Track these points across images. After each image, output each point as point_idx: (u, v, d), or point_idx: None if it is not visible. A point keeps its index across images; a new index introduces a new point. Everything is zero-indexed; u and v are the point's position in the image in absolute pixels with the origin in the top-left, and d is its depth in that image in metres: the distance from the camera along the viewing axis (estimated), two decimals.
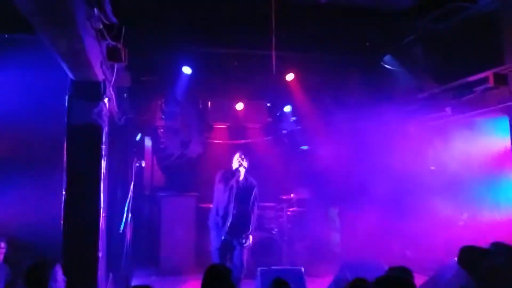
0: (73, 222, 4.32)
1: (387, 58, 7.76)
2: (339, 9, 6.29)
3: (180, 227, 7.59)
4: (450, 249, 6.24)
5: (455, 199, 7.01)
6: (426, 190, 7.41)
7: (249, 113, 8.88)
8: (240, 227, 5.63)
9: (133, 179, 5.48)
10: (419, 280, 3.94)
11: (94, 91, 4.48)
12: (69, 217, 4.31)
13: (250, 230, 5.68)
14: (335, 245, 8.56)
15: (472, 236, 6.24)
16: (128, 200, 5.27)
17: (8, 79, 5.17)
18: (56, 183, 4.35)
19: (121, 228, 5.19)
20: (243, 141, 9.03)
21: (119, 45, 4.59)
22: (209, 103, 8.64)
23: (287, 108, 8.92)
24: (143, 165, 6.57)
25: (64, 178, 4.29)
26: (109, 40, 4.34)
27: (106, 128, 4.57)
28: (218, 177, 5.72)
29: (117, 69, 4.84)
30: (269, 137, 9.17)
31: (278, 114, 9.15)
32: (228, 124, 9.01)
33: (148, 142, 8.20)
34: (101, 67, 4.40)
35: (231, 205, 5.58)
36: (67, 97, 4.42)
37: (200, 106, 8.63)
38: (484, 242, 3.41)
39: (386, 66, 7.78)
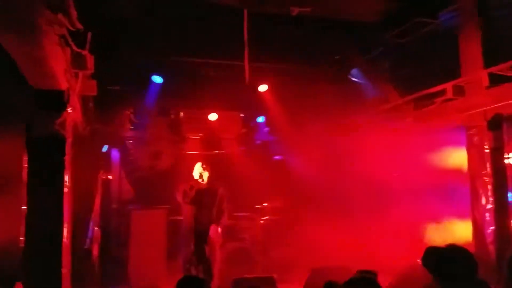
0: (34, 238, 4.10)
1: (354, 71, 8.06)
2: (310, 22, 6.42)
3: (150, 241, 7.38)
4: (414, 251, 6.48)
5: (417, 204, 7.23)
6: (391, 196, 7.66)
7: (223, 124, 8.89)
8: (207, 235, 5.72)
9: (99, 192, 5.27)
10: (385, 281, 4.02)
11: (57, 101, 4.29)
12: (30, 233, 4.09)
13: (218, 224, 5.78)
14: (307, 252, 8.61)
15: (433, 238, 6.45)
16: (93, 214, 5.06)
17: None
18: (15, 198, 4.11)
19: (87, 243, 4.96)
20: (216, 151, 8.98)
21: (85, 52, 4.42)
22: (181, 113, 8.54)
23: (261, 119, 8.96)
24: (110, 177, 6.37)
25: (25, 191, 4.06)
26: (74, 47, 4.18)
27: (69, 139, 4.39)
28: (178, 190, 5.77)
29: (82, 77, 4.67)
30: (243, 148, 9.16)
31: (251, 124, 9.19)
32: (201, 134, 8.97)
33: (116, 154, 7.97)
34: (65, 75, 4.23)
35: (196, 216, 5.60)
36: (28, 107, 4.20)
37: (172, 116, 8.50)
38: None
39: (353, 79, 8.03)
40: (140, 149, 8.21)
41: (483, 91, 6.02)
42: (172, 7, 5.84)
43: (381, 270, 3.74)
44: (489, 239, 5.99)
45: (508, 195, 5.94)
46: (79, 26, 4.13)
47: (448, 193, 6.87)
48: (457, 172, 6.69)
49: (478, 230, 6.14)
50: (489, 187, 6.03)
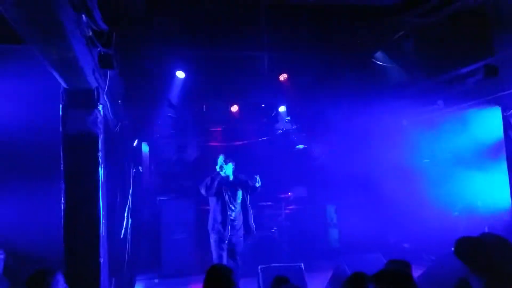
0: (74, 230, 4.32)
1: (378, 54, 7.84)
2: (328, 8, 6.34)
3: (180, 230, 7.64)
4: (445, 240, 6.36)
5: (449, 190, 7.06)
6: (420, 183, 7.48)
7: (244, 115, 8.96)
8: (238, 228, 5.77)
9: (131, 185, 5.49)
10: (417, 272, 3.97)
11: (88, 99, 4.48)
12: (69, 225, 4.32)
13: (251, 229, 5.82)
14: (334, 240, 8.62)
15: (465, 226, 6.29)
16: (127, 206, 5.28)
17: (1, 89, 5.18)
18: (55, 192, 4.36)
19: (122, 233, 5.19)
20: (239, 142, 9.07)
21: (111, 52, 4.59)
22: (204, 106, 8.68)
23: (282, 108, 8.98)
24: (140, 170, 6.60)
25: (62, 186, 4.30)
26: (100, 47, 4.35)
27: (101, 136, 4.59)
28: (200, 183, 5.74)
29: (110, 76, 4.86)
30: (265, 138, 9.21)
31: (273, 114, 9.20)
32: (223, 126, 9.08)
33: (145, 148, 8.23)
34: (94, 74, 4.42)
35: (226, 209, 5.65)
36: (61, 106, 4.42)
37: (195, 109, 8.66)
38: (476, 233, 3.44)
39: (378, 62, 7.85)
40: (167, 142, 8.41)
41: None
42: (191, 2, 5.94)
43: (411, 261, 3.65)
44: None
45: None
46: (104, 26, 4.30)
47: (485, 179, 6.65)
48: (494, 156, 6.45)
49: None
50: None
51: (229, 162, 5.69)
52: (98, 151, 4.46)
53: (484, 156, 6.68)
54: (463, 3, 6.04)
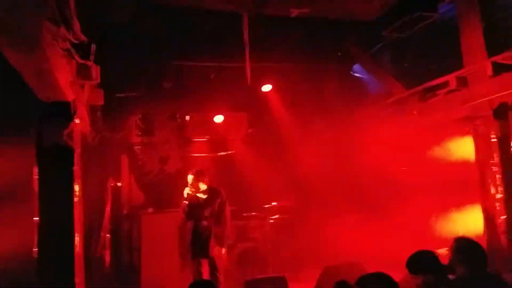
0: (47, 248, 4.16)
1: (356, 67, 8.06)
2: (310, 22, 6.44)
3: (162, 244, 7.44)
4: (425, 245, 6.46)
5: (426, 196, 7.25)
6: (400, 190, 7.66)
7: (229, 125, 8.93)
8: (214, 244, 5.56)
9: (109, 199, 5.33)
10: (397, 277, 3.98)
11: (64, 112, 4.34)
12: (42, 243, 4.15)
13: (221, 242, 5.60)
14: (317, 250, 8.60)
15: (442, 230, 6.47)
16: (104, 222, 5.12)
17: None
18: (27, 209, 4.19)
19: (99, 250, 5.03)
20: (224, 153, 9.01)
21: (90, 63, 4.47)
22: (187, 117, 8.59)
23: (266, 118, 8.94)
24: (119, 184, 6.44)
25: (36, 203, 4.13)
26: (78, 59, 4.23)
27: (78, 150, 4.45)
28: (181, 209, 5.60)
29: (88, 87, 4.73)
30: (249, 148, 9.14)
31: (257, 124, 9.19)
32: (208, 137, 9.00)
33: (125, 160, 8.06)
34: (71, 86, 4.28)
35: (200, 230, 5.50)
36: (36, 119, 4.27)
37: (178, 120, 8.55)
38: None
39: (356, 74, 8.03)
40: (148, 154, 8.29)
41: (487, 81, 5.96)
42: (173, 13, 5.88)
43: (393, 266, 3.68)
44: (501, 228, 5.93)
45: None
46: (83, 38, 4.18)
47: (457, 185, 6.81)
48: (465, 163, 6.62)
49: (489, 220, 6.08)
50: (498, 176, 5.98)
51: (200, 181, 5.48)
52: (73, 165, 4.31)
53: (455, 163, 6.85)
54: (436, 18, 6.46)
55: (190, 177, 5.47)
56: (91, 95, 4.98)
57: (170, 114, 8.14)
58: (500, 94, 5.81)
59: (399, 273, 3.23)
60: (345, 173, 8.18)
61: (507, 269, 3.11)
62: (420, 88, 7.06)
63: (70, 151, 4.31)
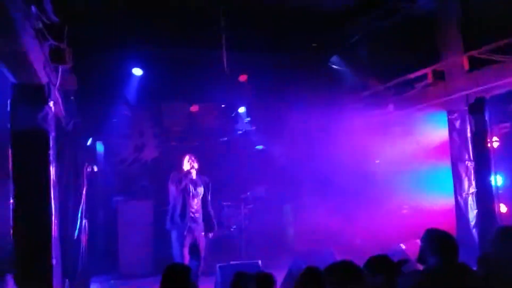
0: (24, 230, 4.12)
1: (334, 58, 8.15)
2: (286, 11, 6.43)
3: (137, 231, 7.50)
4: (396, 236, 6.66)
5: (399, 189, 7.39)
6: (373, 182, 7.78)
7: (204, 115, 8.97)
8: (199, 222, 5.85)
9: (85, 185, 5.33)
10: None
11: (38, 95, 4.30)
12: (19, 226, 4.11)
13: (213, 224, 6.01)
14: (290, 238, 8.78)
15: (413, 223, 6.56)
16: (81, 206, 5.12)
17: None
18: (2, 191, 4.17)
19: (75, 234, 5.03)
20: (198, 142, 9.02)
21: (63, 46, 4.45)
22: (162, 105, 8.57)
23: (241, 109, 9.06)
24: (95, 169, 6.42)
25: (11, 185, 4.11)
26: (51, 41, 4.20)
27: (53, 133, 4.43)
28: (170, 179, 5.89)
29: (62, 71, 4.70)
30: (224, 138, 9.22)
31: (233, 115, 9.26)
32: (183, 126, 9.00)
33: (100, 147, 8.00)
34: (44, 69, 4.26)
35: (188, 204, 5.71)
36: (9, 102, 4.23)
37: (154, 109, 8.53)
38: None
39: (333, 66, 8.11)
40: (123, 141, 8.23)
41: (464, 75, 5.99)
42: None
43: (363, 255, 3.73)
44: (472, 223, 6.06)
45: (491, 178, 5.95)
46: (55, 18, 4.16)
47: (431, 178, 6.97)
48: (439, 157, 6.77)
49: (461, 214, 6.19)
50: (472, 171, 6.07)
51: (195, 162, 5.86)
52: (48, 149, 4.29)
53: (430, 156, 6.99)
54: (414, 10, 6.36)
55: (186, 157, 5.86)
56: (65, 79, 4.95)
57: (144, 102, 8.09)
58: (476, 89, 5.85)
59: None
60: (318, 163, 8.32)
61: (475, 263, 3.19)
62: (396, 81, 7.12)
63: (45, 135, 4.29)
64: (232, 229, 8.11)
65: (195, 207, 5.80)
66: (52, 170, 4.37)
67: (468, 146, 6.14)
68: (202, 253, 5.81)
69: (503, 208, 6.16)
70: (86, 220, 5.22)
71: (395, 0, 6.22)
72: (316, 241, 7.45)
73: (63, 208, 5.00)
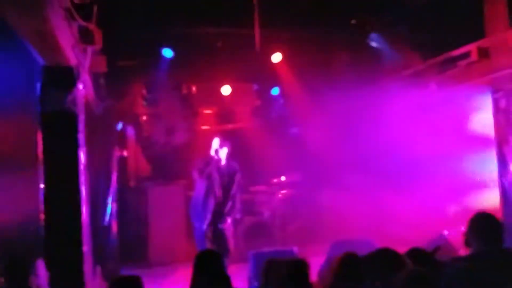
0: (54, 215, 4.10)
1: (373, 36, 7.76)
2: None
3: (168, 216, 7.43)
4: (439, 222, 6.40)
5: (441, 173, 7.10)
6: (414, 167, 7.46)
7: (237, 97, 8.73)
8: (222, 213, 5.65)
9: (115, 169, 5.24)
10: None
11: (67, 77, 4.21)
12: (49, 211, 4.08)
13: (230, 214, 5.71)
14: (326, 225, 8.56)
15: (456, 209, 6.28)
16: (111, 192, 5.04)
17: None
18: (33, 175, 4.10)
19: (106, 220, 4.97)
20: (231, 126, 8.86)
21: (91, 26, 4.30)
22: (193, 87, 8.41)
23: (275, 90, 8.78)
24: (125, 154, 6.35)
25: (41, 170, 4.04)
26: (80, 21, 4.06)
27: (82, 116, 4.32)
28: (194, 165, 5.73)
29: (91, 52, 4.56)
30: (257, 121, 9.00)
31: (266, 97, 9.02)
32: (214, 108, 8.85)
33: (130, 131, 7.95)
34: (73, 50, 4.13)
35: (212, 193, 5.52)
36: (38, 84, 4.14)
37: (184, 90, 8.37)
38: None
39: (372, 44, 7.73)
40: (154, 125, 8.17)
41: (509, 52, 5.72)
42: None
43: (402, 243, 3.59)
44: None
45: None
46: None
47: (475, 161, 6.63)
48: (484, 138, 6.43)
49: (506, 197, 5.95)
50: None
51: (224, 146, 5.59)
52: (77, 132, 4.20)
53: (474, 139, 6.64)
54: None
55: (216, 140, 5.61)
56: (94, 61, 4.83)
57: (174, 84, 7.94)
58: None
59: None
60: (356, 147, 7.98)
61: None
62: (438, 59, 6.86)
63: (74, 117, 4.19)
64: (265, 215, 7.91)
65: (220, 196, 5.58)
66: (82, 154, 4.28)
67: None
68: (228, 245, 5.61)
69: None
70: (116, 206, 5.13)
71: None
72: (354, 228, 7.20)
73: (93, 193, 4.94)
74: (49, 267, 3.70)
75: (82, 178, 4.21)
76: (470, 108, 6.79)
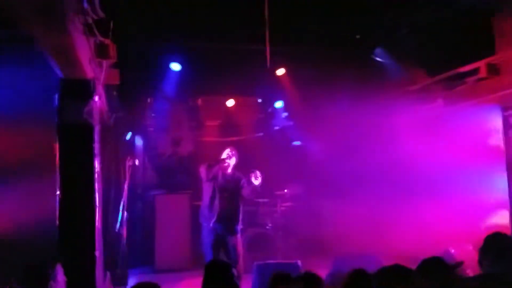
0: (69, 222, 4.25)
1: (378, 51, 7.72)
2: (329, 1, 6.21)
3: (174, 225, 7.56)
4: (444, 240, 6.33)
5: (447, 190, 6.94)
6: (419, 182, 7.42)
7: (241, 110, 8.90)
8: (230, 220, 5.63)
9: (127, 178, 5.40)
10: None
11: (84, 90, 4.39)
12: (64, 218, 4.23)
13: (239, 222, 5.72)
14: (328, 238, 8.58)
15: (463, 227, 6.26)
16: (123, 199, 5.20)
17: None
18: (50, 183, 4.27)
19: (117, 227, 5.11)
20: (235, 138, 8.98)
21: (107, 41, 4.50)
22: (199, 100, 8.59)
23: (279, 104, 8.91)
24: (137, 163, 6.52)
25: (58, 178, 4.21)
26: (98, 36, 4.26)
27: (97, 127, 4.51)
28: (201, 165, 5.75)
29: (106, 66, 4.76)
30: (261, 134, 9.12)
31: (269, 110, 9.17)
32: (219, 121, 8.99)
33: (139, 141, 8.12)
34: (90, 64, 4.33)
35: (217, 196, 5.57)
36: (56, 96, 4.33)
37: (190, 103, 8.56)
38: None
39: (377, 59, 7.76)
40: (161, 136, 8.32)
41: None
42: None
43: (404, 258, 3.44)
44: None
45: None
46: (101, 14, 4.21)
47: (482, 180, 6.48)
48: (493, 157, 6.31)
49: None
50: None
51: (233, 156, 5.72)
52: (93, 143, 4.38)
53: (482, 156, 6.63)
54: (466, 1, 5.94)
55: (227, 150, 5.72)
56: (108, 74, 5.02)
57: (182, 97, 8.14)
58: None
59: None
60: (359, 161, 7.93)
61: None
62: (446, 75, 6.75)
63: (90, 128, 4.37)
64: (267, 227, 7.97)
65: (225, 202, 5.59)
66: (97, 163, 4.45)
67: None
68: (234, 255, 5.56)
69: None
70: (126, 213, 5.28)
71: None
72: (355, 242, 7.21)
73: (105, 201, 5.09)
74: (64, 272, 3.83)
75: (96, 186, 4.37)
76: (478, 125, 6.63)
